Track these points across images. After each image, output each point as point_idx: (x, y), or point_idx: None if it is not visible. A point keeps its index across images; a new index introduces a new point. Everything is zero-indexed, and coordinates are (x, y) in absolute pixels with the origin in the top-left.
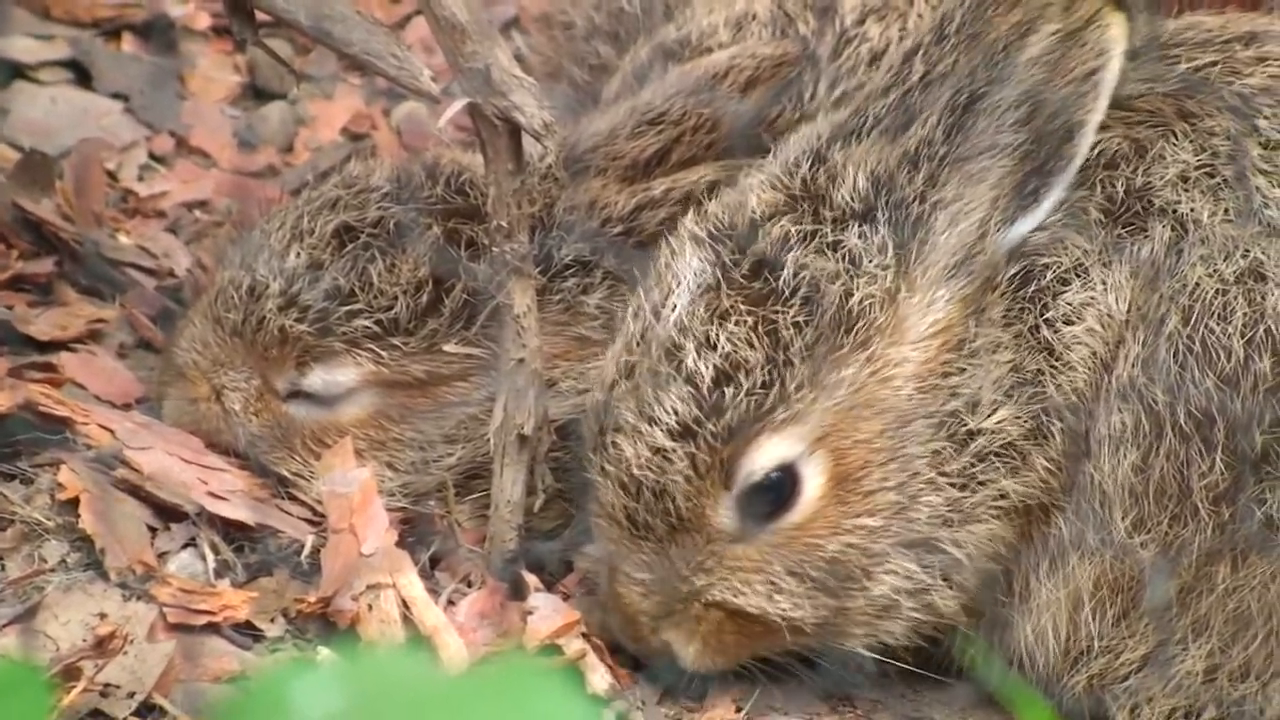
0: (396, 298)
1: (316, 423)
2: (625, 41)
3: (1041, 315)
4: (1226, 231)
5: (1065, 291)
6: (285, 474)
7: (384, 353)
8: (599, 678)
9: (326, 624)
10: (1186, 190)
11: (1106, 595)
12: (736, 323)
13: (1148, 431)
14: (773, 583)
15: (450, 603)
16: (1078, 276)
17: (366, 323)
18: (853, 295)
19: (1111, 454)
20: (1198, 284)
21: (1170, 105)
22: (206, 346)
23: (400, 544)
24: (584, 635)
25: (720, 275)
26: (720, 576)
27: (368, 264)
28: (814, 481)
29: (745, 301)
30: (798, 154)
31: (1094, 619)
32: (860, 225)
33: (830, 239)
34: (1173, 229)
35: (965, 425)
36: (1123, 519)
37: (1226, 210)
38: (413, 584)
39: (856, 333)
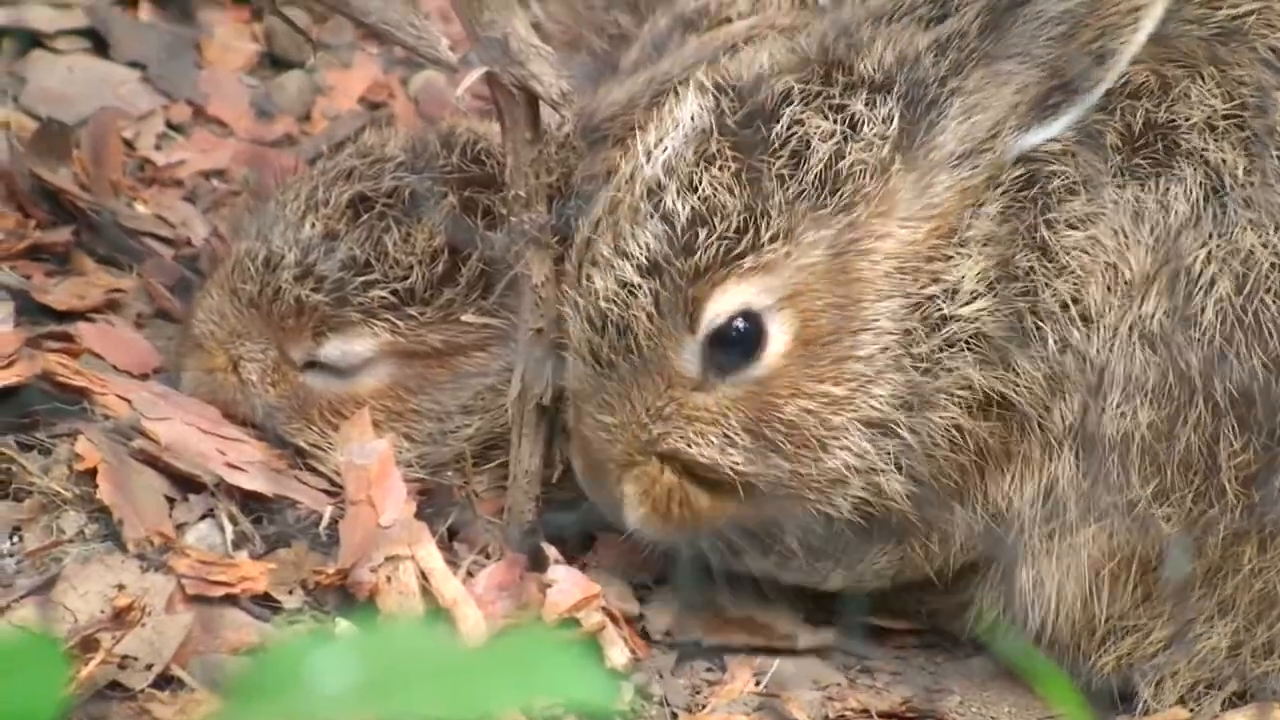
0: (412, 268)
1: (334, 393)
2: (644, 11)
3: (1041, 215)
4: (1273, 198)
5: (1071, 200)
6: (303, 445)
7: (401, 323)
8: (618, 651)
9: (345, 595)
10: (1215, 139)
11: (1124, 571)
12: (720, 168)
13: (1176, 395)
14: (728, 436)
15: (469, 574)
16: (1087, 190)
17: (383, 293)
18: (844, 158)
19: (1125, 399)
20: (1251, 253)
21: (1203, 49)
22: (223, 317)
23: (418, 515)
24: (603, 609)
25: (715, 121)
26: (676, 425)
27: (383, 234)
28: (780, 338)
29: (733, 147)
30: (825, 27)
31: (1109, 597)
32: (871, 93)
33: (836, 102)
34: (1205, 175)
35: (941, 310)
36: (1143, 486)
37: (1264, 171)
38: (431, 555)
39: (842, 195)
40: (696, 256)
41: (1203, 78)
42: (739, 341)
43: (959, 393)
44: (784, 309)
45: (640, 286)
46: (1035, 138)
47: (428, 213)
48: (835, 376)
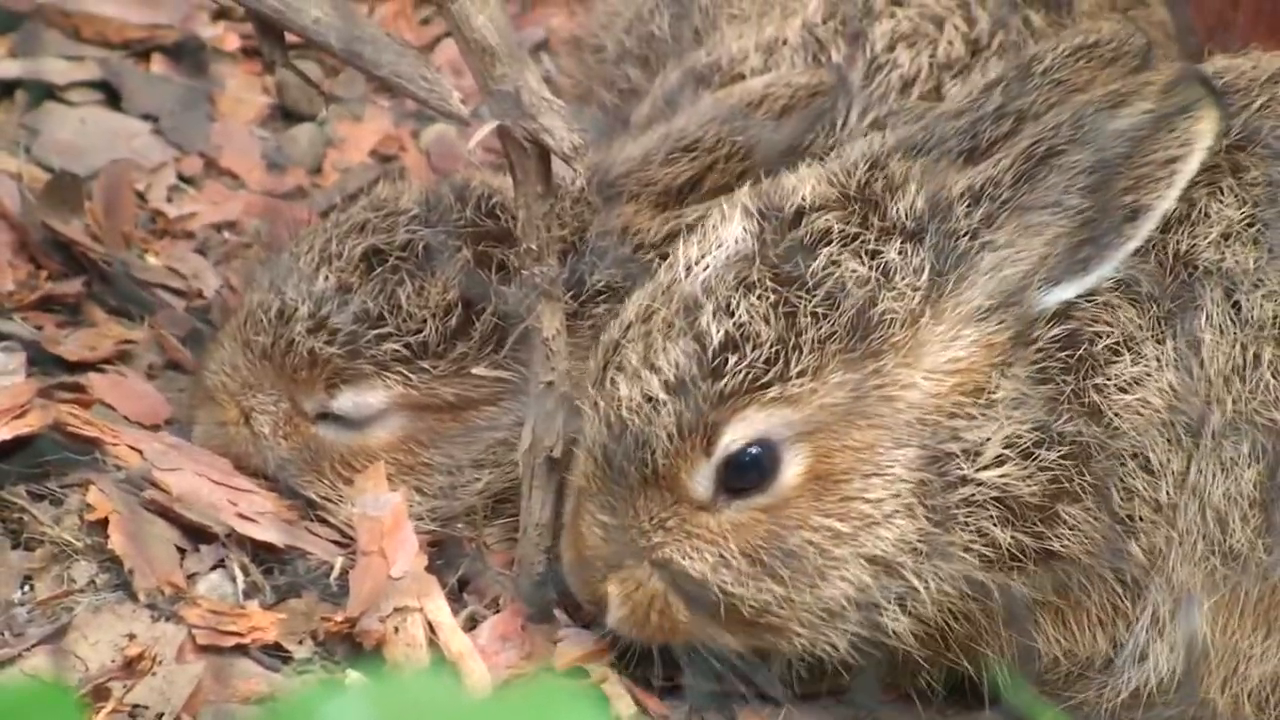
0: (426, 321)
1: (346, 445)
2: (655, 66)
3: (1089, 380)
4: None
5: (1118, 361)
6: (314, 496)
7: (413, 375)
8: (624, 703)
9: (352, 644)
10: (1229, 246)
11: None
12: (759, 297)
13: (1266, 449)
14: (723, 557)
15: (474, 623)
16: (1129, 350)
17: (396, 346)
18: (876, 305)
19: (1227, 479)
20: (1275, 317)
21: (1226, 160)
22: (235, 369)
23: (429, 568)
24: (610, 664)
25: (757, 249)
26: (676, 537)
27: (397, 287)
28: (792, 470)
29: (773, 279)
30: (858, 156)
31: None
32: (904, 242)
33: (871, 247)
34: (1224, 288)
35: (959, 470)
36: (1243, 529)
37: (1271, 249)
38: (440, 609)
39: (871, 342)
40: (723, 382)
41: (1222, 191)
42: (752, 468)
43: (976, 546)
44: (800, 443)
45: (665, 404)
46: (1065, 292)
47: (441, 266)
48: (842, 514)
